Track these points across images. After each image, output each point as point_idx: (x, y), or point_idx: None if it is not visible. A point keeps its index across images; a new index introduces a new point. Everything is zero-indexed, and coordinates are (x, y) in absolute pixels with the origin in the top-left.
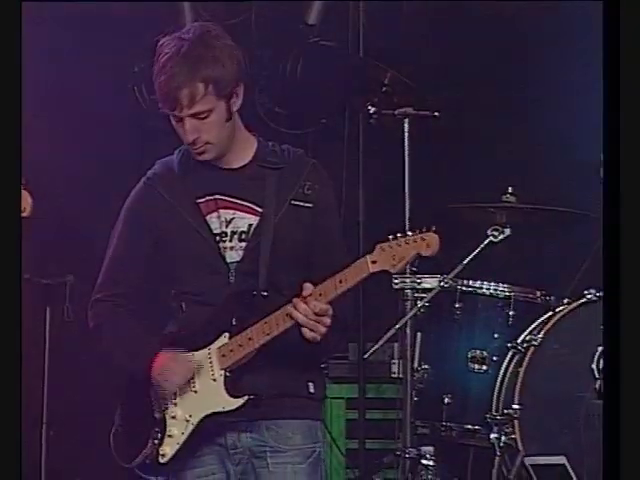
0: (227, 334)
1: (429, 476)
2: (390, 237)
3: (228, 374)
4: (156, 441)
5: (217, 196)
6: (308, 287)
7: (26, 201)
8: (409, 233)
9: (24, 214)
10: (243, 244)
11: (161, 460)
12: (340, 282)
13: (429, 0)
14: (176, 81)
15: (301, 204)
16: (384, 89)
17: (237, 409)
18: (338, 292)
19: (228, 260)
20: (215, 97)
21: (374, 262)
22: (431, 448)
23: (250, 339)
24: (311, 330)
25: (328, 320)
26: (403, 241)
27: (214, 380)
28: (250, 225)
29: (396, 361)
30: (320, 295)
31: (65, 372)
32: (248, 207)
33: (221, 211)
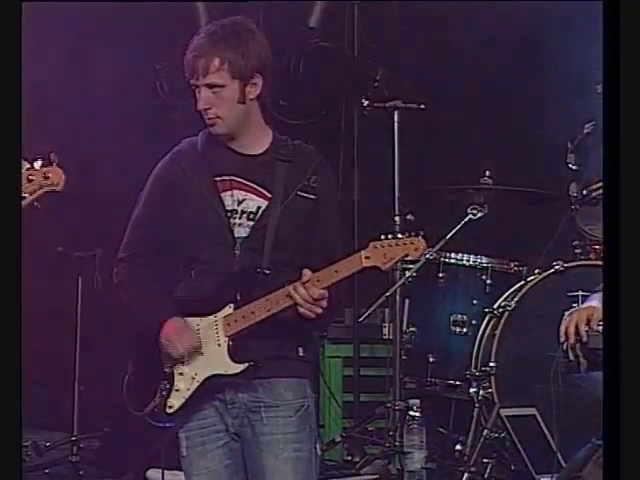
0: (232, 305)
1: (415, 425)
2: (382, 237)
3: (231, 342)
4: (164, 393)
5: (233, 177)
6: (307, 273)
7: (59, 177)
8: (400, 235)
9: (57, 189)
10: (251, 223)
11: (168, 411)
12: (336, 272)
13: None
14: (197, 51)
15: (306, 195)
16: (376, 84)
17: (238, 374)
18: (333, 280)
19: (236, 235)
20: (229, 75)
21: (367, 258)
22: (417, 401)
23: (252, 312)
24: (306, 310)
25: (324, 303)
26: (394, 242)
27: (219, 345)
28: (259, 207)
29: (387, 324)
30: (317, 281)
31: (95, 334)
32: (259, 191)
33: (235, 191)
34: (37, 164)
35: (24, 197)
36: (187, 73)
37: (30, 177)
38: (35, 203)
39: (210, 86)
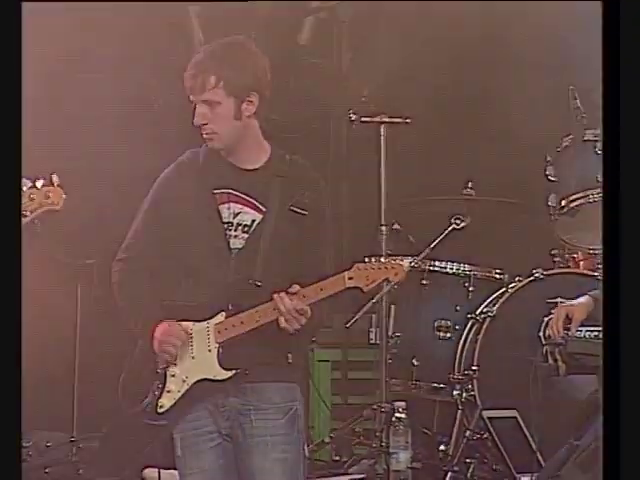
0: (224, 313)
1: (401, 427)
2: (366, 260)
3: (221, 349)
4: (156, 393)
5: (230, 190)
6: (295, 287)
7: (59, 197)
8: (382, 260)
9: (57, 208)
10: (245, 235)
11: (159, 410)
12: (321, 290)
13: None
14: (195, 69)
15: (298, 210)
16: (363, 99)
17: (225, 379)
18: (317, 298)
19: (231, 246)
20: (225, 93)
21: (350, 278)
22: (403, 403)
23: (242, 322)
24: (287, 322)
25: (304, 320)
26: (377, 266)
27: (209, 351)
28: (253, 220)
29: (374, 329)
30: (303, 297)
31: (93, 339)
32: (254, 204)
33: (232, 204)
34: (39, 183)
35: (25, 215)
36: (186, 89)
37: (32, 196)
38: (35, 221)
39: (206, 102)
